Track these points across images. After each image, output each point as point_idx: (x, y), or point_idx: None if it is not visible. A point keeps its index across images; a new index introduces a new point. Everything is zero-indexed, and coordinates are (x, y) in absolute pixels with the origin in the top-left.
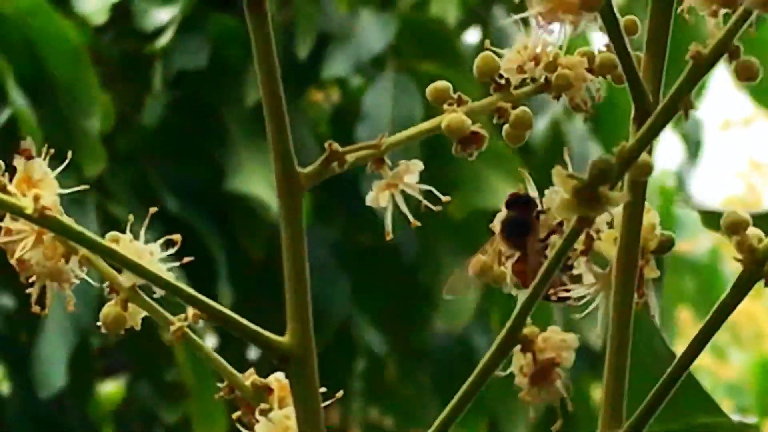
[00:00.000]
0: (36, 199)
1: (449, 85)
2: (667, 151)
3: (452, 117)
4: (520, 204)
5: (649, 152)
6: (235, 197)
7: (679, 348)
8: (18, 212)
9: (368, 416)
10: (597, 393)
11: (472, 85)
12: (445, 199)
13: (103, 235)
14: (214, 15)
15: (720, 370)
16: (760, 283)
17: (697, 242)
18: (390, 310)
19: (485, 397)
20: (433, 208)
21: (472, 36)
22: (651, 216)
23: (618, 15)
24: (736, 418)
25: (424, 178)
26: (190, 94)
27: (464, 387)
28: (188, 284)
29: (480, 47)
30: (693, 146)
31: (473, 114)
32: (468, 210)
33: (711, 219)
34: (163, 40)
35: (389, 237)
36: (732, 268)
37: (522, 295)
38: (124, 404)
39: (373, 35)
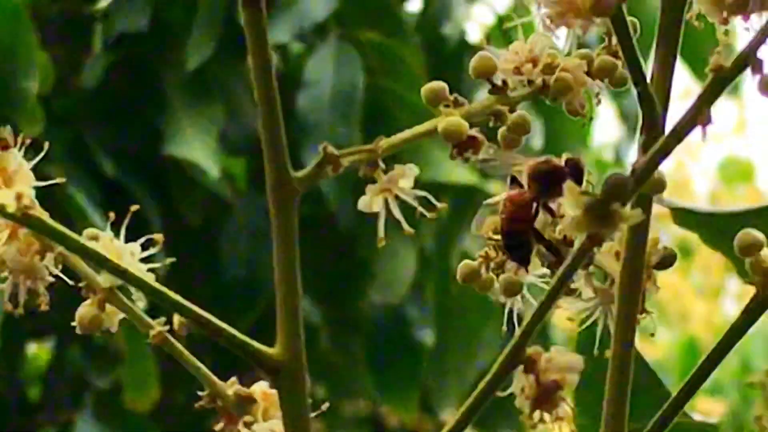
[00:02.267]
0: (18, 197)
1: (445, 85)
2: (604, 124)
3: (449, 121)
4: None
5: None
6: (173, 162)
7: None
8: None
9: None
10: None
11: (413, 54)
12: (441, 206)
13: (38, 196)
14: None
15: (646, 348)
16: (686, 262)
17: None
18: (325, 280)
19: (418, 372)
20: (427, 214)
21: (413, 4)
22: (653, 231)
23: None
24: (698, 418)
25: None
26: (130, 56)
27: (462, 409)
28: None
29: (422, 15)
30: (632, 120)
31: (470, 116)
32: None
33: (683, 216)
34: (104, 1)
35: (382, 244)
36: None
37: (528, 310)
38: (52, 367)
39: (316, 3)
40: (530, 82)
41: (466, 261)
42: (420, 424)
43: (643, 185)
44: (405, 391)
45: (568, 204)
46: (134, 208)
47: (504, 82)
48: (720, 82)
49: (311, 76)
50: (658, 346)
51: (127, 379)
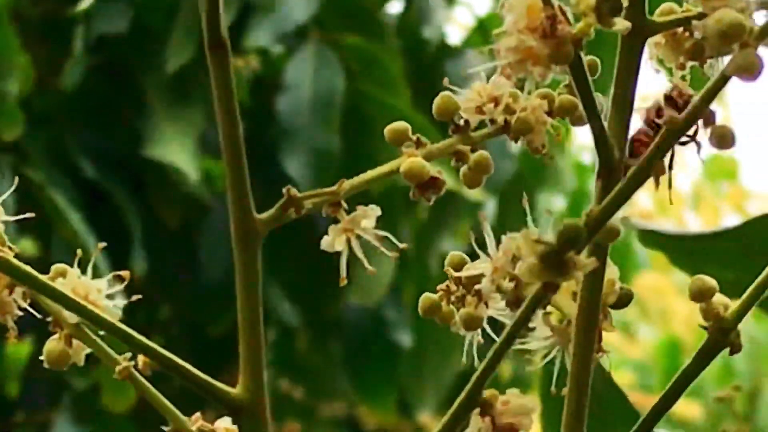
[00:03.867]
0: None
1: (408, 126)
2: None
3: (411, 162)
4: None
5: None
6: (152, 164)
7: None
8: None
9: (278, 387)
10: None
11: (393, 57)
12: (402, 246)
13: (18, 199)
14: None
15: (627, 347)
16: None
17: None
18: (303, 282)
19: (395, 374)
20: (389, 254)
21: (394, 7)
22: (611, 271)
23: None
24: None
25: (343, 151)
26: (110, 59)
27: None
28: (103, 250)
29: (402, 18)
30: None
31: (431, 156)
32: (385, 185)
33: (651, 238)
34: (85, 3)
35: (344, 282)
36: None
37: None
38: (30, 366)
39: (297, 6)
40: (492, 121)
41: (427, 294)
42: (397, 426)
43: (597, 234)
44: (382, 392)
45: (524, 252)
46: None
47: (466, 121)
48: (673, 135)
49: (291, 80)
50: (640, 345)
51: (104, 380)
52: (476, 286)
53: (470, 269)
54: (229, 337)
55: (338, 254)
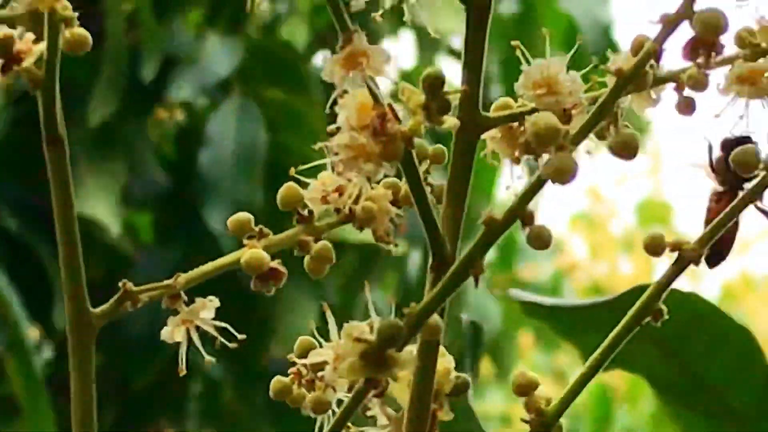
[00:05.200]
0: None
1: (251, 217)
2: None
3: (251, 253)
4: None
5: None
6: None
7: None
8: None
9: None
10: None
11: (316, 110)
12: (240, 337)
13: None
14: None
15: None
16: None
17: (539, 267)
18: (228, 334)
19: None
20: (229, 344)
21: (318, 59)
22: (446, 360)
23: (418, 166)
24: None
25: (265, 204)
26: (33, 111)
27: None
28: (25, 304)
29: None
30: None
31: (273, 247)
32: None
33: (532, 309)
34: None
35: (182, 373)
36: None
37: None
38: None
39: (220, 59)
40: (337, 210)
41: (279, 377)
42: None
43: (418, 331)
44: None
45: (345, 350)
46: None
47: (310, 211)
48: (491, 234)
49: (214, 133)
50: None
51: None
52: (320, 373)
53: (315, 356)
54: (156, 389)
55: (263, 307)
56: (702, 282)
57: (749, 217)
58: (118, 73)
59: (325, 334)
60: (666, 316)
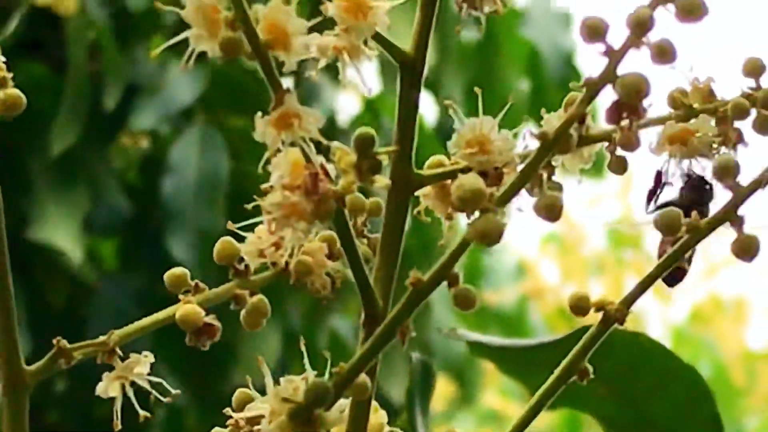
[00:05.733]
0: None
1: (186, 272)
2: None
3: (186, 309)
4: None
5: None
6: (37, 246)
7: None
8: None
9: None
10: None
11: None
12: (174, 392)
13: None
14: (21, 63)
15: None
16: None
17: (504, 292)
18: (191, 360)
19: None
20: (162, 399)
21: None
22: (379, 416)
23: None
24: None
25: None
26: None
27: None
28: None
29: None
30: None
31: (208, 302)
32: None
33: (480, 349)
34: None
35: (117, 429)
36: (539, 318)
37: None
38: None
39: (182, 88)
40: (274, 264)
41: (217, 428)
42: None
43: (346, 390)
44: None
45: (273, 410)
46: None
47: (246, 266)
48: (418, 295)
49: (177, 161)
50: (541, 418)
51: None
52: (255, 427)
53: (251, 409)
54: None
55: (226, 332)
56: (671, 305)
57: (718, 241)
58: (80, 102)
59: (288, 361)
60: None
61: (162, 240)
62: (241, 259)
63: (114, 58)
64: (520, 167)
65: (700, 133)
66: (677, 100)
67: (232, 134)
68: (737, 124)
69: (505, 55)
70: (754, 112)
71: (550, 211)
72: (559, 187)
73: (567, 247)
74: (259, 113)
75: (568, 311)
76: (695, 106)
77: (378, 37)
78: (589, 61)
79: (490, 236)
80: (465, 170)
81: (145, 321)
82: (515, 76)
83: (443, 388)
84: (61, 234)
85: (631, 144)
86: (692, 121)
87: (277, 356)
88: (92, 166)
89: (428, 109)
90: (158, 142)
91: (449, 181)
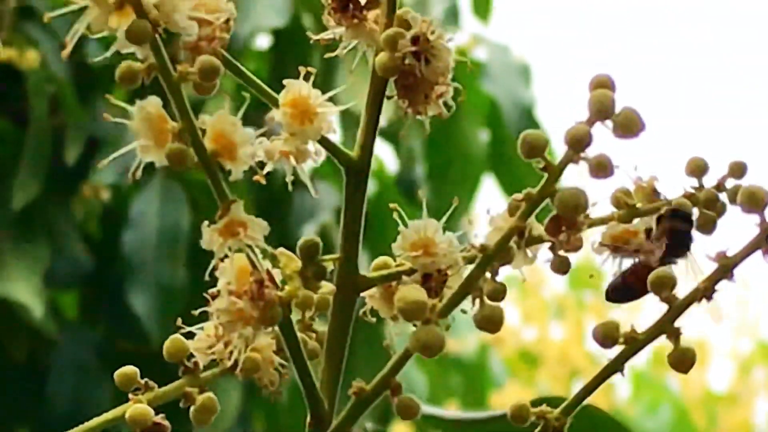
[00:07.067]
0: None
1: (137, 371)
2: None
3: (135, 408)
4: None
5: None
6: None
7: None
8: None
9: None
10: None
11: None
12: None
13: None
14: None
15: None
16: (531, 371)
17: (465, 341)
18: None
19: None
20: None
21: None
22: None
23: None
24: None
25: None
26: None
27: None
28: None
29: None
30: None
31: (157, 400)
32: None
33: (432, 422)
34: None
35: None
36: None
37: None
38: None
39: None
40: (222, 361)
41: None
42: None
43: None
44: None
45: None
46: None
47: (195, 363)
48: (361, 404)
49: (137, 215)
50: None
51: None
52: None
53: None
54: None
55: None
56: None
57: (681, 286)
58: (41, 155)
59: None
60: None
61: (122, 293)
62: (191, 355)
63: (75, 111)
64: (465, 271)
65: (641, 234)
66: (620, 200)
67: (193, 187)
68: None
69: (465, 108)
70: (696, 212)
71: (491, 322)
72: (502, 290)
73: (527, 290)
74: (206, 222)
75: (528, 355)
76: (638, 205)
77: (324, 141)
78: (549, 114)
79: (432, 348)
80: (409, 272)
81: (94, 422)
82: (475, 128)
83: None
84: (23, 288)
85: (575, 247)
86: (635, 221)
87: (239, 406)
88: (53, 219)
89: (389, 157)
90: (119, 195)
91: (394, 283)
